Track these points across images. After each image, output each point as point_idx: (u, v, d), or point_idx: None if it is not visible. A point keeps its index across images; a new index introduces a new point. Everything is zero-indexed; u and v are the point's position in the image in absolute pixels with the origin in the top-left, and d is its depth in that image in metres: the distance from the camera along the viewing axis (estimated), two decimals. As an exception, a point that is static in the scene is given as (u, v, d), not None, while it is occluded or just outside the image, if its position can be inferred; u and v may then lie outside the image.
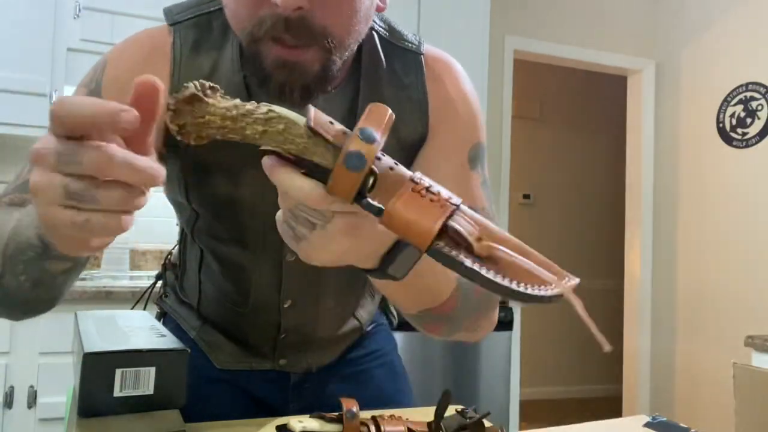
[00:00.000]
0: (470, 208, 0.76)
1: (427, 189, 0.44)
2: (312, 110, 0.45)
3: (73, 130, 0.40)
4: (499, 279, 0.41)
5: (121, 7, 2.39)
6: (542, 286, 0.41)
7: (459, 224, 0.42)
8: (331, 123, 0.45)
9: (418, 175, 0.45)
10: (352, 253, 0.51)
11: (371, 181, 0.44)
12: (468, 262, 0.41)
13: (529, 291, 0.40)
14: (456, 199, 0.44)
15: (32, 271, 0.59)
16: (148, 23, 2.40)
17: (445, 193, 0.44)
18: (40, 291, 0.62)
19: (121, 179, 0.41)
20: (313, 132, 0.44)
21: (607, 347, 0.38)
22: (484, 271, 0.41)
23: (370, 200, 0.44)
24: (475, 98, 0.82)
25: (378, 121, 0.45)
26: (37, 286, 0.61)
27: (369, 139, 0.43)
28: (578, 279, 0.42)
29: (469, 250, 0.42)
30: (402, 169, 0.45)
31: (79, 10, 2.31)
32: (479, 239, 0.42)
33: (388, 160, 0.45)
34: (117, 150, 0.40)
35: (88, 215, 0.41)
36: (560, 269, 0.42)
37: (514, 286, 0.40)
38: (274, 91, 0.65)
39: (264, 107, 0.45)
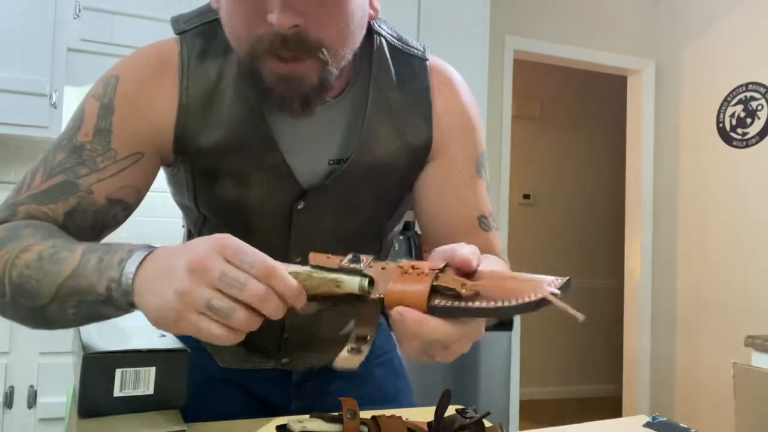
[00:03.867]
0: (482, 215, 0.86)
1: (413, 267, 0.51)
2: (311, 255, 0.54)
3: (246, 269, 0.49)
4: (491, 304, 0.48)
5: (121, 7, 2.39)
6: (527, 297, 0.47)
7: (445, 282, 0.49)
8: (328, 258, 0.54)
9: (402, 261, 0.53)
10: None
11: (367, 282, 0.52)
12: (461, 305, 0.48)
13: (514, 303, 0.47)
14: (440, 264, 0.51)
15: (85, 309, 0.59)
16: (148, 23, 2.42)
17: (427, 264, 0.52)
18: (84, 322, 0.63)
19: (263, 313, 0.50)
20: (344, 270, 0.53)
21: (581, 317, 0.45)
22: (477, 304, 0.48)
23: (371, 296, 0.51)
24: (477, 109, 0.87)
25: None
26: (84, 320, 0.62)
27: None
28: (566, 277, 0.48)
29: (458, 297, 0.49)
30: (391, 263, 0.54)
31: (79, 10, 2.31)
32: (463, 285, 0.49)
33: (379, 263, 0.54)
34: (273, 294, 0.50)
35: (216, 327, 0.50)
36: (541, 277, 0.49)
37: (500, 304, 0.47)
38: (275, 103, 0.69)
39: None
